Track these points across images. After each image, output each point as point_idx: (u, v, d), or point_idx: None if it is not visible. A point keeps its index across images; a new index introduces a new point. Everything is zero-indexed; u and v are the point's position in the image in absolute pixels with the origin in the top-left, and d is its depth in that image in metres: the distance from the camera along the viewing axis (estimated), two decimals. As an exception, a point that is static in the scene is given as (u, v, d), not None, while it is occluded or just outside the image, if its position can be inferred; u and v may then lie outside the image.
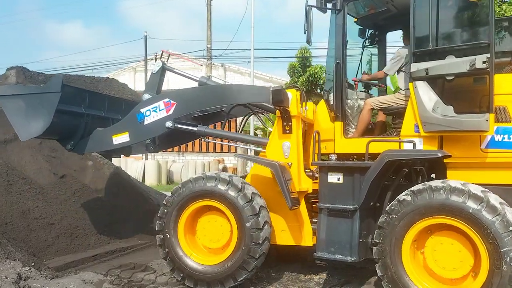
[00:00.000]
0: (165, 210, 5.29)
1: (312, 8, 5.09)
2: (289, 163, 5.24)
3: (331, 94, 5.44)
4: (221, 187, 5.08)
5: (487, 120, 4.22)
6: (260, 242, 4.96)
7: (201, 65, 25.68)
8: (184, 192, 5.23)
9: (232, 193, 5.06)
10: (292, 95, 5.23)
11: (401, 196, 4.40)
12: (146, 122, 5.98)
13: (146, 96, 6.30)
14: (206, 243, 5.37)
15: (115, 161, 10.79)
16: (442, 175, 4.79)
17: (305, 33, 5.12)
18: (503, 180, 4.43)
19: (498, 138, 4.41)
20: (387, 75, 5.54)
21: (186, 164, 20.83)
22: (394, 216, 4.37)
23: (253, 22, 19.62)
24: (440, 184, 4.22)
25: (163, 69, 6.58)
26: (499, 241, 3.88)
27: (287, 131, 5.34)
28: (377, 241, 4.45)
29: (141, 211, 8.33)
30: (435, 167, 4.86)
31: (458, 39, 4.67)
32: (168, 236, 5.23)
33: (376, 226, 4.56)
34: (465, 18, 4.65)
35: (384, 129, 5.86)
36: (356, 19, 6.23)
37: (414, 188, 4.36)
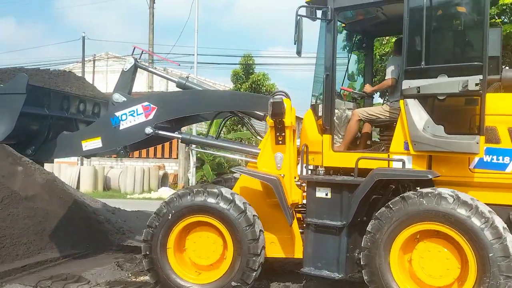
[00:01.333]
0: (157, 220, 5.10)
1: (303, 18, 4.95)
2: (282, 175, 5.15)
3: (319, 104, 5.34)
4: (211, 200, 4.95)
5: (477, 143, 4.21)
6: (258, 252, 4.90)
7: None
8: (182, 204, 5.03)
9: (223, 205, 4.93)
10: (287, 105, 5.11)
11: (391, 202, 4.40)
12: (122, 127, 5.62)
13: (116, 97, 5.80)
14: (196, 260, 5.22)
15: (47, 166, 10.25)
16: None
17: (295, 43, 4.98)
18: (490, 200, 4.46)
19: (486, 158, 4.42)
20: (395, 79, 5.40)
21: (124, 170, 19.71)
22: (383, 221, 4.37)
23: (197, 26, 18.66)
24: (430, 190, 4.25)
25: (136, 67, 6.08)
26: (487, 248, 3.92)
27: (280, 142, 5.22)
28: (365, 246, 4.45)
29: (75, 219, 7.88)
30: (422, 183, 4.85)
31: (451, 58, 4.62)
32: (156, 249, 5.05)
33: (366, 231, 4.55)
34: (459, 37, 4.60)
35: (370, 141, 5.83)
36: (344, 25, 6.12)
37: (405, 194, 4.38)
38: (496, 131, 4.39)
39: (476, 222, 3.99)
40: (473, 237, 3.99)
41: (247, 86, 21.18)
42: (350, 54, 6.36)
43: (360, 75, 6.48)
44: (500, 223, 4.03)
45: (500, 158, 4.38)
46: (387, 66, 5.62)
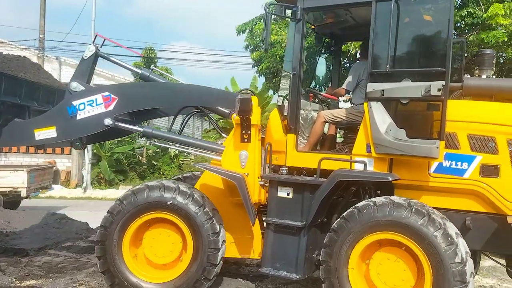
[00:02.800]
0: (110, 219, 4.93)
1: (272, 16, 4.92)
2: (246, 173, 5.08)
3: (285, 104, 5.32)
4: (168, 195, 4.82)
5: (437, 147, 4.26)
6: (219, 246, 4.81)
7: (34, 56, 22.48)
8: (137, 201, 4.87)
9: (181, 200, 4.82)
10: (254, 103, 5.05)
11: (346, 213, 4.39)
12: (79, 117, 5.36)
13: (74, 85, 5.50)
14: (153, 258, 5.07)
15: None
16: (389, 194, 4.83)
17: (263, 41, 4.95)
18: (448, 205, 4.52)
19: (446, 164, 4.48)
20: (349, 91, 5.47)
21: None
22: (340, 233, 4.36)
23: (94, 15, 18.52)
24: (383, 200, 4.27)
25: (96, 56, 5.78)
26: (440, 255, 3.96)
27: (246, 140, 5.14)
28: (324, 259, 4.42)
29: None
30: (383, 186, 4.89)
31: (415, 63, 4.69)
32: (111, 249, 4.88)
33: (323, 244, 4.54)
34: (423, 43, 4.66)
35: (334, 143, 5.84)
36: (313, 27, 6.14)
37: (359, 204, 4.37)
38: (456, 137, 4.45)
39: (430, 229, 4.02)
40: (426, 244, 4.01)
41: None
42: (318, 57, 6.39)
43: (328, 79, 6.49)
44: (452, 229, 4.07)
45: (459, 163, 4.44)
46: (349, 73, 5.67)
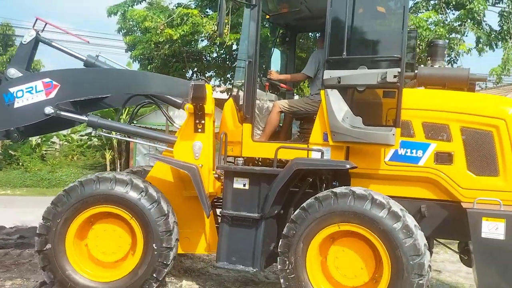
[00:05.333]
0: (54, 211, 4.57)
1: (227, 1, 4.75)
2: (200, 165, 4.87)
3: (240, 93, 5.17)
4: (119, 189, 4.54)
5: (393, 135, 4.25)
6: (172, 245, 4.57)
7: None
8: (85, 193, 4.55)
9: (134, 194, 4.55)
10: (208, 91, 4.84)
11: (306, 203, 4.29)
12: (16, 105, 4.93)
13: (12, 72, 5.11)
14: (99, 256, 4.75)
15: None
16: (345, 184, 4.79)
17: (217, 26, 4.77)
18: (403, 193, 4.53)
19: (401, 152, 4.48)
20: (308, 76, 5.36)
21: None
22: (299, 223, 4.25)
23: None
24: (344, 190, 4.20)
25: (37, 41, 5.37)
26: (399, 247, 3.92)
27: (200, 130, 4.93)
28: (282, 251, 4.30)
29: None
30: (339, 176, 4.84)
31: (371, 50, 4.67)
32: (53, 242, 4.52)
33: (281, 235, 4.42)
34: (379, 30, 4.66)
35: (289, 133, 5.75)
36: (268, 16, 6.02)
37: (319, 195, 4.28)
38: (411, 125, 4.47)
39: (389, 222, 3.98)
40: (387, 237, 3.97)
41: (5, 59, 18.26)
42: (273, 48, 6.28)
43: (282, 70, 6.40)
44: (412, 221, 4.06)
45: (414, 151, 4.46)
46: (309, 60, 5.58)
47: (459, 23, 9.24)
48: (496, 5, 9.92)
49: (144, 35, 12.31)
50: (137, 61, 13.45)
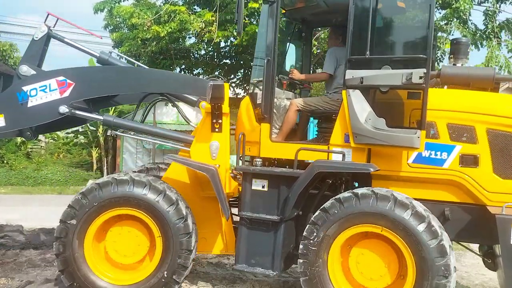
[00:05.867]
0: (72, 214, 4.50)
1: None
2: (217, 165, 4.78)
3: (257, 91, 5.06)
4: (138, 190, 4.47)
5: (418, 137, 4.14)
6: (191, 248, 4.51)
7: None
8: (103, 195, 4.47)
9: (152, 196, 4.48)
10: (225, 90, 4.74)
11: (327, 205, 4.20)
12: (30, 104, 4.84)
13: (24, 69, 5.01)
14: (118, 258, 4.70)
15: None
16: (366, 186, 4.69)
17: (235, 23, 4.65)
18: (427, 196, 4.44)
19: (425, 154, 4.38)
20: (330, 75, 5.24)
21: None
22: (320, 225, 4.17)
23: None
24: (366, 191, 4.10)
25: (49, 37, 5.26)
26: (425, 249, 3.84)
27: (217, 130, 4.83)
28: (303, 253, 4.23)
29: None
30: (360, 178, 4.75)
31: (396, 50, 4.54)
32: (72, 247, 4.47)
33: (300, 237, 4.34)
34: (404, 29, 4.52)
35: (306, 132, 5.65)
36: (284, 11, 5.88)
37: (340, 196, 4.19)
38: (435, 126, 4.36)
39: (413, 223, 3.89)
40: (411, 238, 3.88)
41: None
42: (289, 44, 6.15)
43: (298, 66, 6.27)
44: (436, 222, 3.97)
45: (438, 153, 4.36)
46: (326, 58, 5.46)
47: (445, 22, 9.19)
48: (481, 4, 9.88)
49: (131, 32, 12.18)
50: (124, 58, 13.43)
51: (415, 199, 4.31)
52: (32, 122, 5.03)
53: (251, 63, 5.75)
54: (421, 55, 4.15)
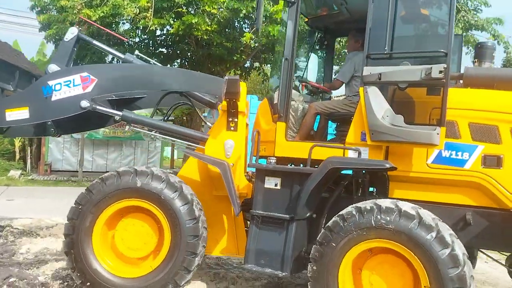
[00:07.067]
0: (79, 210, 4.54)
1: None
2: (231, 164, 4.72)
3: (275, 93, 5.03)
4: (156, 184, 4.49)
5: (438, 134, 3.97)
6: (197, 251, 4.47)
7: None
8: (121, 184, 4.51)
9: (168, 192, 4.47)
10: (242, 88, 4.74)
11: (345, 212, 4.01)
12: (54, 98, 4.94)
13: (53, 68, 5.17)
14: (124, 251, 4.68)
15: None
16: (383, 188, 4.53)
17: (255, 21, 4.69)
18: (447, 199, 4.22)
19: (445, 154, 4.19)
20: (343, 83, 5.20)
21: None
22: (335, 232, 3.97)
23: None
24: (389, 204, 3.86)
25: (78, 39, 5.43)
26: (438, 262, 3.59)
27: (232, 128, 4.81)
28: (314, 258, 4.05)
29: None
30: (377, 179, 4.58)
31: (415, 45, 4.45)
32: (80, 243, 4.48)
33: (312, 240, 4.18)
34: (424, 24, 4.44)
35: (325, 136, 5.55)
36: (306, 19, 5.91)
37: (361, 205, 3.99)
38: (456, 126, 4.19)
39: (423, 233, 3.66)
40: (422, 250, 3.65)
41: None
42: (310, 52, 6.15)
43: (320, 74, 6.24)
44: (446, 230, 3.73)
45: (459, 153, 4.16)
46: (344, 63, 5.42)
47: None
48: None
49: (60, 14, 11.92)
50: (52, 42, 12.92)
51: (434, 202, 4.14)
52: (55, 115, 5.14)
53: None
54: (441, 50, 4.04)
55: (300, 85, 5.41)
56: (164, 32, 14.27)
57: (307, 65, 6.03)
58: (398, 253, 3.83)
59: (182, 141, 5.18)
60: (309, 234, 4.59)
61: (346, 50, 7.36)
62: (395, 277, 3.90)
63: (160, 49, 15.19)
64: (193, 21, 11.69)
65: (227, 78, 4.59)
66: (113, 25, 12.65)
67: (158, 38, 14.61)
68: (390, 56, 4.23)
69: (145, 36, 13.52)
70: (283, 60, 4.80)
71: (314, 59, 6.22)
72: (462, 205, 4.19)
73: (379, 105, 4.23)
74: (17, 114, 4.98)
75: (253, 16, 11.99)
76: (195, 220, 4.46)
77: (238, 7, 11.60)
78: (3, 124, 5.04)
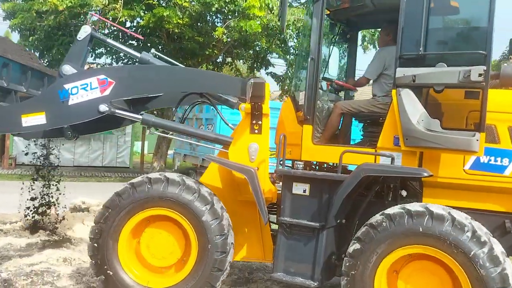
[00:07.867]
0: (107, 214, 4.43)
1: None
2: (256, 168, 4.57)
3: (301, 93, 4.83)
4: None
5: (477, 140, 3.78)
6: (227, 250, 4.37)
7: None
8: (138, 195, 4.40)
9: (186, 195, 4.36)
10: (266, 90, 4.55)
11: (375, 221, 3.85)
12: (71, 102, 4.76)
13: (67, 68, 4.93)
14: (150, 259, 4.58)
15: None
16: (415, 194, 4.37)
17: (279, 20, 4.47)
18: (485, 206, 4.06)
19: (484, 159, 4.01)
20: (370, 80, 4.99)
21: None
22: (366, 243, 3.83)
23: None
24: (420, 208, 3.72)
25: (92, 37, 5.18)
26: (482, 270, 3.45)
27: (256, 131, 4.63)
28: (346, 270, 3.91)
29: None
30: (409, 184, 4.41)
31: (452, 46, 4.21)
32: (106, 248, 4.39)
33: (343, 247, 4.04)
34: (461, 22, 4.20)
35: (349, 136, 5.36)
36: (328, 12, 5.65)
37: (390, 211, 3.83)
38: (495, 130, 3.99)
39: (472, 247, 3.50)
40: (465, 263, 3.50)
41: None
42: (332, 46, 5.91)
43: (342, 69, 6.01)
44: (498, 246, 3.56)
45: (499, 159, 3.98)
46: (372, 60, 5.18)
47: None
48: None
49: (25, 3, 11.54)
50: (17, 31, 12.62)
51: (471, 209, 3.96)
52: (73, 120, 4.96)
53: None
54: (480, 51, 3.81)
55: (325, 83, 5.18)
56: (135, 24, 14.01)
57: (328, 60, 5.80)
58: (437, 259, 3.68)
59: (205, 145, 5.01)
60: (339, 240, 4.46)
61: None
62: (434, 283, 3.78)
63: (130, 41, 14.88)
64: (164, 14, 11.60)
65: (252, 81, 4.41)
66: (81, 16, 12.29)
67: (129, 30, 14.40)
68: (425, 57, 4.01)
69: (115, 28, 13.20)
70: (309, 60, 4.60)
71: (335, 54, 5.98)
72: (500, 212, 4.03)
73: (413, 108, 4.04)
74: (34, 119, 4.81)
75: (225, 11, 12.25)
76: (224, 236, 4.36)
77: (210, 1, 11.49)
78: (20, 130, 4.89)
